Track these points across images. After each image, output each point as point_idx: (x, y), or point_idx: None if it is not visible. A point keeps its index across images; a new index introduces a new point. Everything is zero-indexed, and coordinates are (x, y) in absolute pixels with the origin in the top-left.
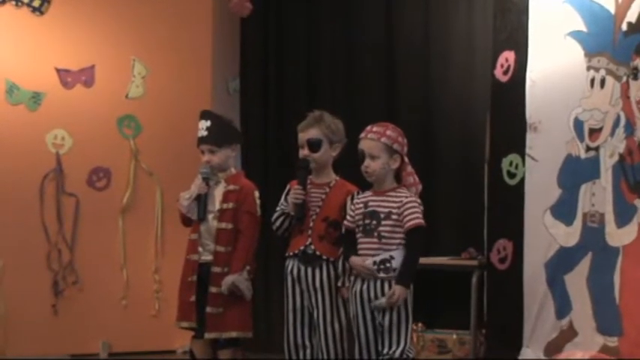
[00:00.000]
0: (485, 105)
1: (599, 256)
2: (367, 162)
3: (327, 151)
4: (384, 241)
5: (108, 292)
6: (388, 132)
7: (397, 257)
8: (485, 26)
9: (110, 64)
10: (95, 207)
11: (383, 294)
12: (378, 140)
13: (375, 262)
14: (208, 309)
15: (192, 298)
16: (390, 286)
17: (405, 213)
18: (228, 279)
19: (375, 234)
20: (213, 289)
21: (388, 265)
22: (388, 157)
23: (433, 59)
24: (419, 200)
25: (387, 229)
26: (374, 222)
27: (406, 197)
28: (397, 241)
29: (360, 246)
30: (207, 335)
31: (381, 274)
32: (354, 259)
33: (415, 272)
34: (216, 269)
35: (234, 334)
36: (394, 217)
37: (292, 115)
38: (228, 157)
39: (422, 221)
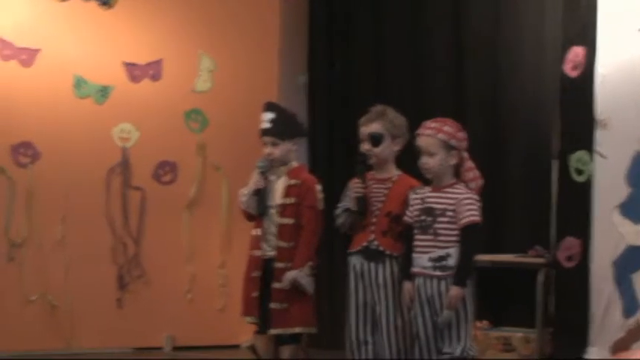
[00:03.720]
0: (553, 101)
1: None
2: (425, 159)
3: (389, 146)
4: (439, 238)
5: (173, 286)
6: (445, 128)
7: (454, 255)
8: (554, 22)
9: (177, 58)
10: (161, 201)
11: (439, 292)
12: (435, 137)
13: (430, 259)
14: (272, 304)
15: (255, 294)
16: (446, 285)
17: (461, 210)
18: (290, 275)
19: (431, 231)
20: (276, 285)
21: (444, 262)
22: (446, 153)
23: (502, 55)
24: (476, 197)
25: (443, 226)
26: (430, 218)
27: (462, 194)
28: (453, 238)
29: (416, 242)
30: (271, 331)
31: (437, 272)
32: (406, 286)
33: (472, 270)
34: (279, 265)
35: (298, 330)
36: (450, 213)
37: (359, 111)
38: (290, 151)
39: (477, 218)
